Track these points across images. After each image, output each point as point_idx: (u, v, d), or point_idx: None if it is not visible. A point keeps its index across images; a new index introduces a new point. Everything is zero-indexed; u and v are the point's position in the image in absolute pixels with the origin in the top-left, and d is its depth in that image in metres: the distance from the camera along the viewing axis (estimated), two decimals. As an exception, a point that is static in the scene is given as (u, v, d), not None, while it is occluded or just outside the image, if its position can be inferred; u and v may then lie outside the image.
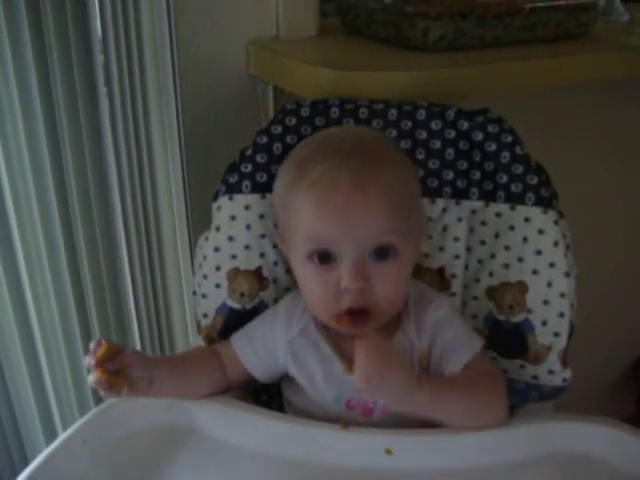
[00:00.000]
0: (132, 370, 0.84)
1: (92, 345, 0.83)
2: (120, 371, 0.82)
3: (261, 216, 0.96)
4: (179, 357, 0.99)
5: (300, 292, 0.93)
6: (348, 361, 0.87)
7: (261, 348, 0.93)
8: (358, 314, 0.84)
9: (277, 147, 0.96)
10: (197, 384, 0.91)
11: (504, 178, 0.94)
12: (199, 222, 1.16)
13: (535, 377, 0.95)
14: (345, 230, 0.82)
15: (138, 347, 1.22)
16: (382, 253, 0.83)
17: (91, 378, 0.81)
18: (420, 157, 0.96)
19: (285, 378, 0.95)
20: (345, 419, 0.87)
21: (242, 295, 0.97)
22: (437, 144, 0.96)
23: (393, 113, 0.96)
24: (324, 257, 0.84)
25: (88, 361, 0.82)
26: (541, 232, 0.92)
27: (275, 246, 0.97)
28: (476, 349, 0.89)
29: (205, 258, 0.97)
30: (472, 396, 0.86)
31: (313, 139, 0.92)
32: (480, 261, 0.97)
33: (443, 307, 0.91)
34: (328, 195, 0.82)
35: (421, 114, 0.96)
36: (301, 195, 0.84)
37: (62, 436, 0.87)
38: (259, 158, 0.95)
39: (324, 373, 0.90)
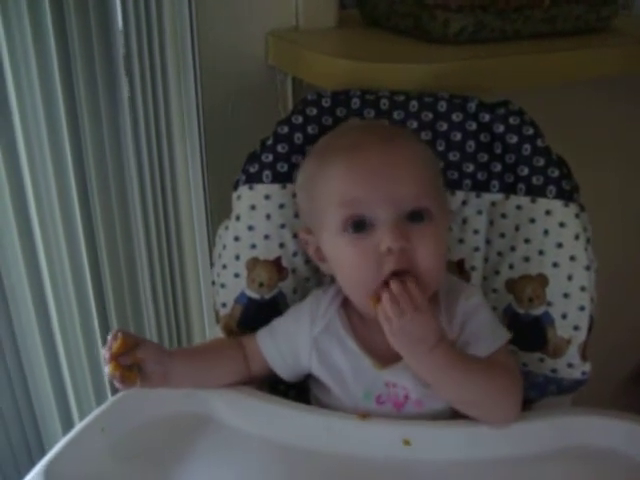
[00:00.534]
0: (146, 364, 0.84)
1: (109, 337, 0.84)
2: (134, 365, 0.83)
3: (281, 206, 0.96)
4: (199, 349, 0.99)
5: (324, 290, 0.94)
6: (376, 356, 0.88)
7: (284, 346, 0.93)
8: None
9: (298, 137, 0.95)
10: (215, 377, 0.92)
11: (525, 171, 0.93)
12: (217, 212, 1.16)
13: (554, 370, 0.95)
14: (380, 191, 0.82)
15: (155, 336, 1.22)
16: (418, 216, 0.83)
17: (105, 370, 0.83)
18: (440, 149, 0.96)
19: (312, 377, 0.94)
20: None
21: (261, 285, 0.97)
22: (458, 136, 0.96)
23: (414, 104, 0.96)
24: (359, 225, 0.83)
25: (104, 354, 0.83)
26: (562, 225, 0.92)
27: (295, 236, 0.97)
28: (501, 342, 0.89)
29: (225, 247, 0.97)
30: (487, 383, 0.84)
31: (332, 131, 0.94)
32: (500, 254, 0.97)
33: (474, 296, 0.91)
34: (356, 159, 0.83)
35: (442, 106, 0.96)
36: (329, 166, 0.85)
37: (81, 424, 0.88)
38: (280, 148, 0.95)
39: (352, 369, 0.89)
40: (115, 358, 0.82)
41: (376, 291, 0.81)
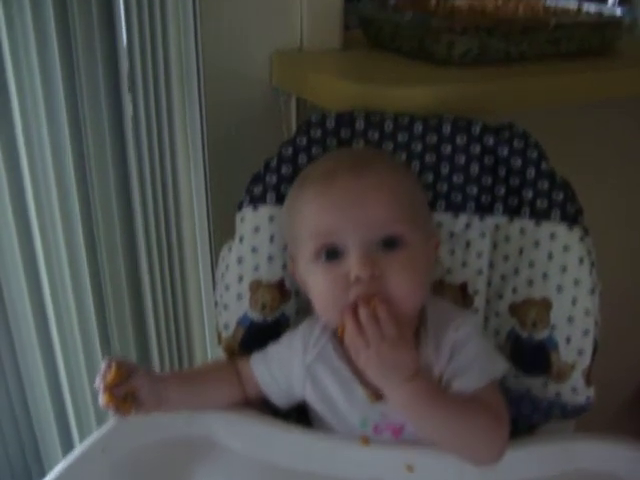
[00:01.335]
0: (140, 393, 0.85)
1: (102, 366, 0.84)
2: (127, 395, 0.84)
3: (285, 228, 0.96)
4: (193, 373, 0.99)
5: (317, 316, 0.92)
6: (371, 388, 0.86)
7: (278, 372, 0.92)
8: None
9: (302, 158, 0.95)
10: (210, 400, 0.92)
11: (529, 193, 0.93)
12: (220, 232, 1.15)
13: (558, 395, 0.94)
14: (348, 218, 0.82)
15: (156, 357, 1.21)
16: (389, 243, 0.83)
17: (100, 400, 0.83)
18: (444, 171, 0.96)
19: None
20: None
21: (264, 307, 0.97)
22: (462, 159, 0.95)
23: (418, 127, 0.96)
24: (331, 253, 0.83)
25: (97, 384, 0.84)
26: (566, 249, 0.91)
27: (297, 259, 0.97)
28: (490, 377, 0.85)
29: (228, 268, 0.97)
30: (467, 422, 0.82)
31: (319, 160, 0.94)
32: (503, 277, 0.97)
33: (465, 325, 0.88)
34: (326, 188, 0.84)
35: (446, 128, 0.95)
36: (304, 195, 0.86)
37: (81, 445, 0.88)
38: (284, 169, 0.95)
39: (347, 399, 0.88)
40: (109, 389, 0.82)
41: (342, 319, 0.81)
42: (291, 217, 0.90)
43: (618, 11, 1.22)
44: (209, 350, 1.26)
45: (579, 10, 1.23)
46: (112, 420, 0.90)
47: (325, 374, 0.90)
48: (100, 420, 1.19)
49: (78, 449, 0.87)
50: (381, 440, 0.87)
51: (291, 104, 1.19)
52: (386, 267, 0.81)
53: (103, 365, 0.84)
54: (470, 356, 0.85)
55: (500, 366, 0.88)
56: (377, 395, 0.86)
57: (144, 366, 0.90)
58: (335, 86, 1.05)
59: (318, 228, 0.84)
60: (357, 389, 0.88)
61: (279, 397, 0.93)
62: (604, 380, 0.97)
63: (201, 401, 0.92)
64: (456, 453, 0.83)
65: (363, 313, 0.78)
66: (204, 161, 1.14)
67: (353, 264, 0.81)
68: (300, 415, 0.96)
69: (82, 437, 1.20)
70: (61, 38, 1.00)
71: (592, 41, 1.18)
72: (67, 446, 1.23)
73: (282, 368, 0.92)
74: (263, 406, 0.96)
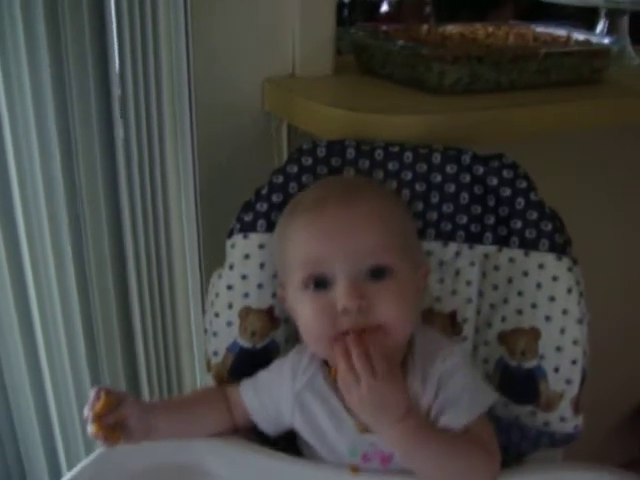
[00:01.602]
0: (129, 422, 0.85)
1: (91, 396, 0.84)
2: (116, 424, 0.84)
3: (275, 255, 0.96)
4: (182, 401, 0.98)
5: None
6: (360, 418, 0.85)
7: (267, 399, 0.92)
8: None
9: (293, 187, 0.96)
10: (199, 428, 0.92)
11: (518, 224, 0.94)
12: (210, 259, 1.15)
13: (547, 424, 0.95)
14: (336, 247, 0.83)
15: (145, 384, 1.21)
16: (378, 273, 0.83)
17: (88, 430, 0.83)
18: (434, 200, 0.96)
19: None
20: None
21: (253, 334, 0.97)
22: (452, 188, 0.96)
23: (409, 156, 0.96)
24: (319, 283, 0.84)
25: (86, 414, 0.83)
26: (555, 279, 0.92)
27: (287, 286, 0.97)
28: (480, 410, 0.86)
29: (217, 296, 0.97)
30: (461, 458, 0.83)
31: (310, 188, 0.95)
32: (492, 306, 0.97)
33: (453, 356, 0.88)
34: (315, 216, 0.85)
35: (436, 158, 0.96)
36: (293, 223, 0.87)
37: (68, 475, 0.87)
38: (275, 197, 0.95)
39: (335, 428, 0.88)
40: (98, 418, 0.82)
41: (334, 354, 0.81)
42: (281, 244, 0.90)
43: (606, 40, 1.23)
44: (198, 377, 1.26)
45: (568, 38, 1.24)
46: (100, 448, 0.89)
47: (314, 402, 0.90)
48: (88, 447, 1.18)
49: (65, 477, 0.87)
50: (370, 469, 0.87)
51: (282, 130, 1.19)
52: (374, 297, 0.82)
53: (92, 394, 0.84)
54: (458, 388, 0.86)
55: (489, 397, 0.88)
56: (366, 426, 0.85)
57: (133, 395, 0.90)
58: (326, 114, 1.05)
59: (307, 256, 0.84)
60: (346, 419, 0.88)
61: (268, 424, 0.93)
62: (592, 407, 0.98)
63: (190, 429, 0.92)
64: None
65: (355, 354, 0.79)
66: (195, 187, 1.14)
67: (341, 295, 0.81)
68: (289, 443, 0.96)
69: (70, 465, 1.19)
70: (53, 63, 0.99)
71: (581, 70, 1.19)
72: (55, 474, 1.22)
73: (271, 395, 0.92)
74: (251, 433, 0.96)
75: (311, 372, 0.91)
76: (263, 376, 0.94)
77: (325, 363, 0.91)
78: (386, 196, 0.93)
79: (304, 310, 0.86)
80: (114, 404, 0.83)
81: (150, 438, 0.87)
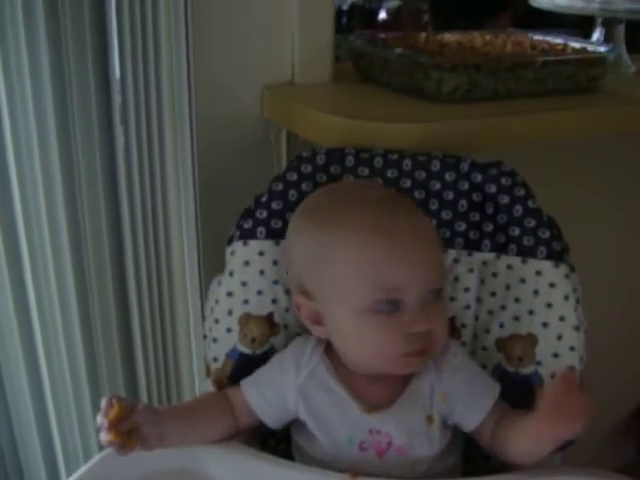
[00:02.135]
0: (143, 428, 0.84)
1: (103, 404, 0.83)
2: (132, 430, 0.83)
3: (275, 262, 0.97)
4: (189, 407, 0.98)
5: (306, 337, 0.95)
6: (363, 402, 0.89)
7: (271, 394, 0.93)
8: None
9: (292, 194, 0.96)
10: (208, 433, 0.92)
11: (516, 231, 0.94)
12: (210, 266, 1.16)
13: (544, 430, 0.95)
14: (413, 275, 0.84)
15: (144, 390, 1.21)
16: (436, 294, 0.87)
17: (103, 438, 0.82)
18: (433, 208, 0.97)
19: (295, 423, 0.95)
20: (356, 468, 0.87)
21: (253, 340, 0.97)
22: (450, 195, 0.97)
23: (407, 163, 0.97)
24: (392, 305, 0.84)
25: (100, 421, 0.82)
26: (552, 285, 0.93)
27: (287, 292, 0.97)
28: (495, 396, 0.91)
29: (217, 302, 0.98)
30: None
31: (326, 190, 0.95)
32: (490, 312, 0.98)
33: (459, 353, 0.93)
34: (395, 241, 0.84)
35: (435, 165, 0.97)
36: (354, 243, 0.85)
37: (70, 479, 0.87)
38: (274, 205, 0.96)
39: (338, 414, 0.90)
40: (114, 426, 0.81)
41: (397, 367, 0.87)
42: (325, 258, 0.86)
43: (602, 48, 1.24)
44: (197, 383, 1.26)
45: (565, 47, 1.25)
46: (98, 455, 0.90)
47: (317, 393, 0.91)
48: (87, 454, 1.18)
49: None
50: (364, 460, 0.88)
51: (282, 138, 1.20)
52: (434, 318, 0.86)
53: (103, 403, 0.83)
54: (474, 381, 0.92)
55: (496, 385, 0.93)
56: (370, 409, 0.88)
57: (143, 402, 0.91)
58: (325, 121, 1.06)
59: (385, 283, 0.84)
60: (351, 404, 0.89)
61: (273, 419, 0.94)
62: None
63: (197, 434, 0.91)
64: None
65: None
66: (195, 195, 1.14)
67: (414, 320, 0.84)
68: (288, 450, 0.97)
69: (69, 472, 1.19)
70: (54, 70, 1.00)
71: (578, 78, 1.20)
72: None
73: (274, 391, 0.93)
74: (253, 436, 0.97)
75: (314, 364, 0.92)
76: (264, 374, 0.95)
77: (327, 353, 0.93)
78: (424, 214, 0.95)
79: (369, 332, 0.85)
80: (127, 411, 0.83)
81: (163, 445, 0.87)
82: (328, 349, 0.93)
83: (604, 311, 1.46)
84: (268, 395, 0.93)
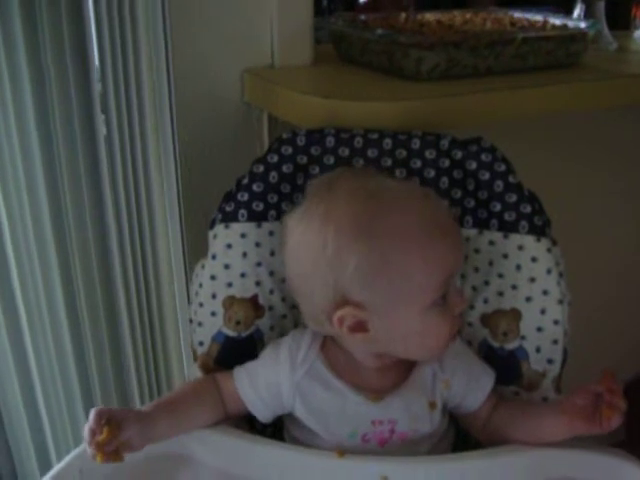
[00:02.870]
0: (132, 440, 0.84)
1: (91, 421, 0.82)
2: (119, 448, 0.83)
3: (257, 244, 0.96)
4: (178, 400, 0.94)
5: (301, 331, 0.94)
6: (366, 392, 0.89)
7: (265, 392, 0.92)
8: None
9: (273, 176, 0.96)
10: (198, 423, 0.92)
11: (498, 206, 0.94)
12: (195, 250, 1.16)
13: (530, 404, 0.96)
14: (458, 260, 0.89)
15: (133, 376, 1.21)
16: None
17: (90, 454, 0.82)
18: (415, 186, 0.97)
19: (290, 417, 0.94)
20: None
21: (238, 323, 0.97)
22: (431, 173, 0.97)
23: (388, 142, 0.97)
24: (444, 294, 0.86)
25: (88, 440, 0.82)
26: (534, 260, 0.93)
27: (271, 274, 0.97)
28: (493, 377, 0.94)
29: (201, 286, 0.98)
30: None
31: (347, 197, 0.85)
32: (474, 288, 0.98)
33: (457, 337, 0.93)
34: (442, 231, 0.85)
35: (415, 143, 0.97)
36: (416, 242, 0.83)
37: (58, 465, 0.87)
38: (255, 187, 0.96)
39: (339, 410, 0.89)
40: (101, 449, 0.81)
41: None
42: (391, 263, 0.82)
43: (582, 24, 1.24)
44: (185, 368, 1.26)
45: (545, 23, 1.25)
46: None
47: (316, 389, 0.91)
48: (77, 439, 1.19)
49: (54, 470, 0.87)
50: (364, 450, 0.89)
51: (263, 121, 1.19)
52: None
53: (91, 420, 0.82)
54: (473, 364, 0.95)
55: (489, 367, 0.96)
56: (374, 397, 0.89)
57: (131, 411, 0.88)
58: (305, 103, 1.06)
59: (448, 273, 0.85)
60: (354, 397, 0.89)
61: (265, 414, 0.94)
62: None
63: (186, 427, 0.91)
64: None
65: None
66: (177, 179, 1.14)
67: (459, 301, 0.88)
68: (275, 432, 0.98)
69: (60, 458, 1.19)
70: (31, 60, 1.00)
71: (558, 54, 1.20)
72: (45, 467, 1.22)
73: (269, 388, 0.92)
74: (240, 418, 0.97)
75: (311, 360, 0.91)
76: (258, 369, 0.93)
77: (324, 349, 0.92)
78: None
79: (433, 326, 0.86)
80: (116, 432, 0.82)
81: (153, 443, 0.87)
82: (325, 344, 0.93)
83: (592, 285, 1.47)
84: (262, 393, 0.92)
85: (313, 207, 0.86)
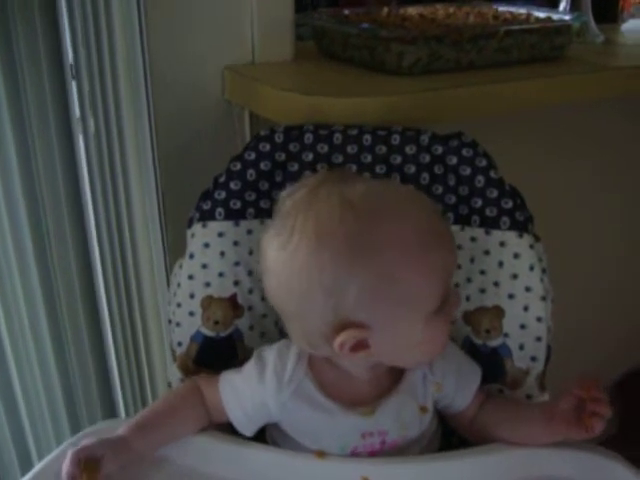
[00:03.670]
0: (113, 476, 0.82)
1: (69, 466, 0.79)
2: None
3: (235, 243, 0.95)
4: (161, 417, 0.90)
5: (287, 346, 0.89)
6: (358, 406, 0.86)
7: (252, 411, 0.89)
8: None
9: (251, 174, 0.95)
10: (180, 435, 0.89)
11: (479, 202, 0.93)
12: (175, 250, 1.15)
13: (514, 402, 0.95)
14: (454, 264, 0.88)
15: (116, 379, 1.20)
16: None
17: None
18: (395, 182, 0.96)
19: (275, 428, 0.92)
20: None
21: (216, 323, 0.96)
22: (412, 169, 0.95)
23: (367, 138, 0.96)
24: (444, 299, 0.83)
25: None
26: (516, 256, 0.92)
27: (250, 274, 0.96)
28: (480, 375, 0.93)
29: (179, 286, 0.96)
30: None
31: (340, 213, 0.79)
32: (457, 285, 0.97)
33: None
34: (438, 235, 0.82)
35: (395, 139, 0.95)
36: (417, 253, 0.79)
37: (36, 467, 0.86)
38: (233, 185, 0.95)
39: (327, 428, 0.87)
40: None
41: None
42: (393, 277, 0.78)
43: (567, 17, 1.23)
44: (168, 369, 1.25)
45: (529, 16, 1.24)
46: (68, 441, 0.88)
47: (304, 408, 0.87)
48: (59, 439, 1.18)
49: (32, 472, 0.85)
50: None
51: (245, 118, 1.18)
52: None
53: (69, 463, 0.79)
54: (460, 362, 0.93)
55: (475, 363, 0.94)
56: (366, 410, 0.86)
57: (110, 443, 0.84)
58: (285, 99, 1.05)
59: (449, 280, 0.84)
60: (342, 416, 0.86)
61: (251, 429, 0.90)
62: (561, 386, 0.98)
63: (170, 439, 0.89)
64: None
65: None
66: (156, 178, 1.13)
67: (455, 303, 0.87)
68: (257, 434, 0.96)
69: (41, 458, 1.18)
70: (4, 59, 0.99)
71: (542, 47, 1.19)
72: (25, 467, 1.21)
73: (255, 407, 0.88)
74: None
75: (298, 380, 0.87)
76: (244, 387, 0.89)
77: (311, 367, 0.88)
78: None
79: (440, 330, 0.83)
80: (95, 475, 0.79)
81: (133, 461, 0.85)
82: (311, 362, 0.88)
83: (583, 281, 1.46)
84: (249, 411, 0.88)
85: (298, 225, 0.79)
